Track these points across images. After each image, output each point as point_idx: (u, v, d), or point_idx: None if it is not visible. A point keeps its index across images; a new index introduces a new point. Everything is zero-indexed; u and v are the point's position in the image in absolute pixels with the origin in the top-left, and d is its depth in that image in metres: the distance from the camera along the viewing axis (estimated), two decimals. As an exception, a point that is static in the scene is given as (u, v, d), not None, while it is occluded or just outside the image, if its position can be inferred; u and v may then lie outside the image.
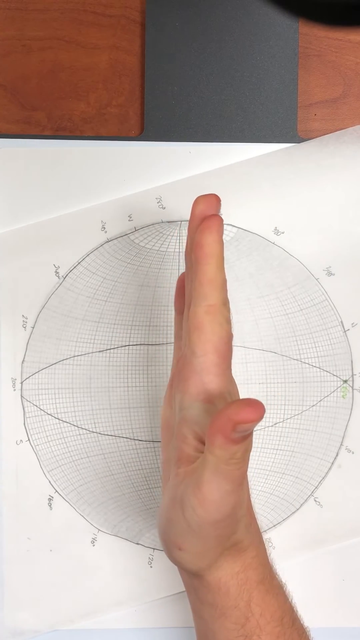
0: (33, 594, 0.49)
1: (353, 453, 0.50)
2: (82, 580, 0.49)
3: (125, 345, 0.49)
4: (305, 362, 0.50)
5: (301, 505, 0.50)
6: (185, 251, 0.38)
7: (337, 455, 0.50)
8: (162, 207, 0.50)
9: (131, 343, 0.49)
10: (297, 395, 0.49)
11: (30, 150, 0.49)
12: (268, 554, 0.39)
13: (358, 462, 0.50)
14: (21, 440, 0.49)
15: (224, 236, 0.50)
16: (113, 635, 0.49)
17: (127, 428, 0.49)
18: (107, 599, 0.49)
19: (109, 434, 0.49)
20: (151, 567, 0.49)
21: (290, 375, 0.49)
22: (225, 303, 0.35)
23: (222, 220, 0.35)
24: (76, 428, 0.49)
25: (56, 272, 0.50)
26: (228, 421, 0.31)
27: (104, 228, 0.50)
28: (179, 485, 0.35)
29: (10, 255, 0.49)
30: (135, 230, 0.50)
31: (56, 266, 0.50)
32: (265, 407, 0.49)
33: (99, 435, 0.49)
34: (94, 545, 0.49)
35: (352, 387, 0.50)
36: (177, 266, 0.50)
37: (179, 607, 0.49)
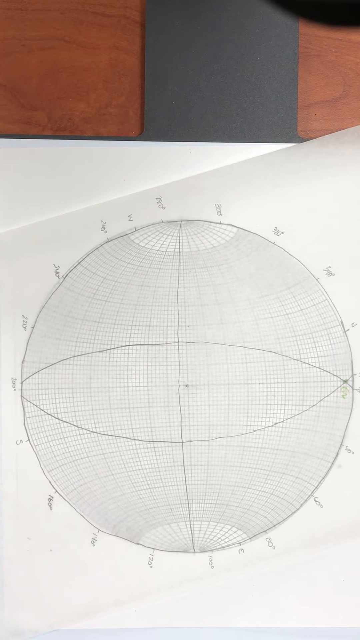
0: (33, 594, 0.49)
1: (353, 453, 0.50)
2: (82, 580, 0.49)
3: (125, 345, 0.49)
4: (305, 362, 0.50)
5: (301, 505, 0.50)
6: None
7: (337, 455, 0.50)
8: (162, 207, 0.50)
9: (131, 343, 0.49)
10: (297, 395, 0.49)
11: (30, 150, 0.49)
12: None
13: (358, 462, 0.50)
14: (21, 440, 0.49)
15: (224, 236, 0.50)
16: (113, 635, 0.49)
17: (127, 428, 0.49)
18: (107, 599, 0.49)
19: (109, 434, 0.49)
20: (151, 567, 0.49)
21: (290, 375, 0.49)
22: None
23: None
24: (76, 428, 0.49)
25: (56, 272, 0.50)
26: None
27: (104, 228, 0.50)
28: None
29: (10, 255, 0.49)
30: (135, 230, 0.50)
31: (56, 266, 0.50)
32: (265, 407, 0.49)
33: (99, 435, 0.49)
34: (94, 545, 0.49)
35: (352, 387, 0.50)
36: (177, 266, 0.50)
37: (179, 607, 0.49)
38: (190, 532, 0.50)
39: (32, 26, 0.50)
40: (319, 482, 0.50)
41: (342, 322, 0.50)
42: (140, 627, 0.49)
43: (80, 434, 0.49)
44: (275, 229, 0.50)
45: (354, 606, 0.50)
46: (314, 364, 0.50)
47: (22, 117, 0.50)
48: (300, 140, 0.50)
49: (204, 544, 0.50)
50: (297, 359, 0.50)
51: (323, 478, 0.50)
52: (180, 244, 0.50)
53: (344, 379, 0.50)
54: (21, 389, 0.49)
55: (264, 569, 0.49)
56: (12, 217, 0.49)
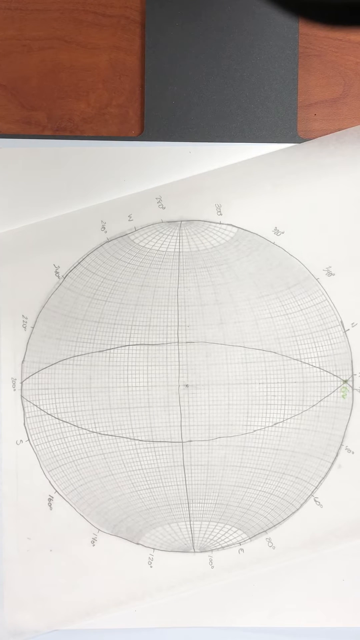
0: (33, 594, 0.49)
1: (353, 453, 0.50)
2: (82, 580, 0.49)
3: (125, 345, 0.49)
4: (305, 362, 0.50)
5: (301, 505, 0.50)
6: None
7: (337, 455, 0.50)
8: (162, 207, 0.50)
9: (131, 343, 0.49)
10: (297, 395, 0.49)
11: (30, 150, 0.49)
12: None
13: (358, 462, 0.50)
14: (21, 440, 0.49)
15: (224, 236, 0.50)
16: (113, 635, 0.49)
17: (127, 428, 0.49)
18: (107, 599, 0.49)
19: (109, 434, 0.49)
20: (151, 567, 0.49)
21: (290, 375, 0.49)
22: None
23: None
24: (76, 428, 0.49)
25: (56, 272, 0.50)
26: None
27: (104, 228, 0.50)
28: None
29: (10, 255, 0.49)
30: (135, 230, 0.50)
31: (56, 266, 0.50)
32: (265, 407, 0.49)
33: (99, 435, 0.49)
34: (94, 545, 0.49)
35: (352, 387, 0.50)
36: (177, 266, 0.50)
37: (179, 607, 0.49)
38: (190, 532, 0.50)
39: (32, 26, 0.50)
40: (319, 482, 0.50)
41: (342, 322, 0.50)
42: (140, 627, 0.49)
43: (80, 434, 0.49)
44: (275, 229, 0.50)
45: (354, 606, 0.50)
46: (314, 364, 0.50)
47: (22, 117, 0.50)
48: (300, 140, 0.50)
49: (204, 544, 0.50)
50: (297, 359, 0.50)
51: (323, 478, 0.50)
52: (180, 244, 0.50)
53: (344, 379, 0.50)
54: (21, 389, 0.49)
55: (264, 569, 0.49)
56: (12, 217, 0.49)
